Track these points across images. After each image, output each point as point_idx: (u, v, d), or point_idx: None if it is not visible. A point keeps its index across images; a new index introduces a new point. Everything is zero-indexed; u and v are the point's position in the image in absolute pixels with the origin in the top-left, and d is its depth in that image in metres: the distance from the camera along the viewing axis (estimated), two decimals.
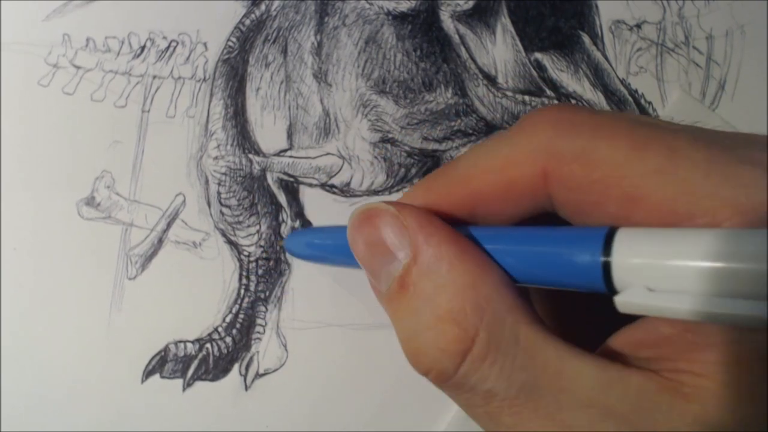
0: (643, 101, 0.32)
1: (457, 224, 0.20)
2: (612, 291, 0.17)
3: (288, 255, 0.32)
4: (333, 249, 0.26)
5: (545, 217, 0.20)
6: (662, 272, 0.15)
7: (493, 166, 0.19)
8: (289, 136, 0.32)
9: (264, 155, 0.32)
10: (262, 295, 0.31)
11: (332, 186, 0.32)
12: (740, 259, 0.14)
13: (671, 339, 0.18)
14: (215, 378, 0.31)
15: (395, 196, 0.32)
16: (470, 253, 0.19)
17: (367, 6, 0.32)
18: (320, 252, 0.27)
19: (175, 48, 0.32)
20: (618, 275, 0.16)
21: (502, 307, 0.18)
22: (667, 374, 0.17)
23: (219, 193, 0.32)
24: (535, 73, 0.32)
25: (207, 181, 0.32)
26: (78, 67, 0.32)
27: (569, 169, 0.17)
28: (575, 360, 0.18)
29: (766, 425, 0.16)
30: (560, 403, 0.17)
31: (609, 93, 0.32)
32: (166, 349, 0.31)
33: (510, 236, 0.19)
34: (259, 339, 0.31)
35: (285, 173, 0.32)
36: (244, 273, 0.31)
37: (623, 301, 0.16)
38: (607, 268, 0.16)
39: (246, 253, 0.32)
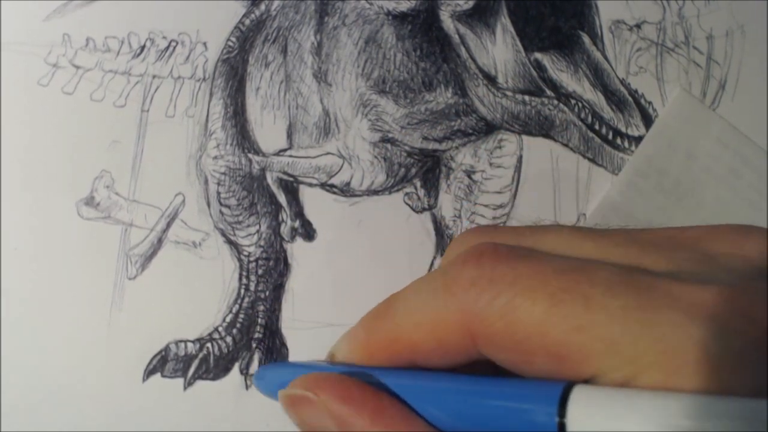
0: (643, 101, 0.32)
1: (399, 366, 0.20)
2: None
3: (288, 255, 0.32)
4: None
5: (486, 364, 0.19)
6: None
7: (424, 322, 0.19)
8: (289, 135, 0.32)
9: (264, 155, 0.32)
10: (262, 295, 0.31)
11: (332, 186, 0.32)
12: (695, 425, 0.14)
13: None
14: (216, 377, 0.31)
15: (395, 196, 0.32)
16: (401, 424, 0.18)
17: (367, 6, 0.32)
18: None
19: (174, 48, 0.32)
20: None
21: None
22: None
23: (218, 193, 0.32)
24: (535, 73, 0.32)
25: (206, 181, 0.32)
26: (78, 67, 0.32)
27: (493, 329, 0.17)
28: None
29: None
30: None
31: (609, 93, 0.32)
32: (166, 348, 0.31)
33: (449, 389, 0.19)
34: (260, 339, 0.31)
35: (285, 173, 0.32)
36: (244, 273, 0.31)
37: None
38: (562, 428, 0.16)
39: (246, 253, 0.32)
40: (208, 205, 0.32)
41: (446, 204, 0.32)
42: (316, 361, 0.23)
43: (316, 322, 0.31)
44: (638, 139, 0.31)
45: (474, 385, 0.18)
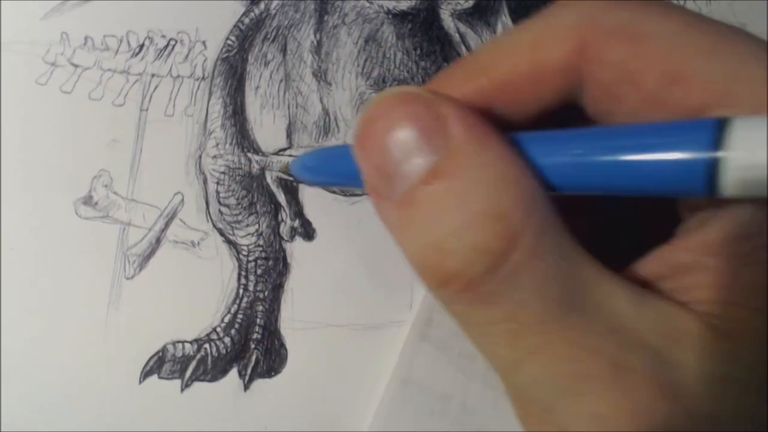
0: None
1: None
2: (712, 192, 0.14)
3: (288, 255, 0.31)
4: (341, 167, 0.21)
5: (568, 112, 0.18)
6: None
7: (522, 45, 0.17)
8: (289, 135, 0.32)
9: (263, 154, 0.32)
10: (261, 295, 0.31)
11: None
12: None
13: (693, 267, 0.16)
14: (214, 379, 0.30)
15: None
16: (514, 154, 0.16)
17: (367, 5, 0.32)
18: (330, 173, 0.22)
19: (173, 46, 0.32)
20: (732, 172, 0.14)
21: (547, 209, 0.16)
22: (696, 306, 0.16)
23: (218, 192, 0.32)
24: None
25: (206, 180, 0.32)
26: (76, 66, 0.32)
27: (612, 40, 0.16)
28: (611, 282, 0.16)
29: None
30: (591, 326, 0.15)
31: None
32: (164, 349, 0.30)
33: (561, 136, 0.17)
34: (258, 339, 0.31)
35: (284, 172, 0.32)
36: (243, 273, 0.31)
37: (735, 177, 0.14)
38: (713, 166, 0.14)
39: (245, 253, 0.31)
40: (207, 204, 0.31)
41: None
42: None
43: (315, 322, 0.31)
44: None
45: (593, 132, 0.16)
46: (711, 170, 0.14)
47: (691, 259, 0.16)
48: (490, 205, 0.15)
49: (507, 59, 0.17)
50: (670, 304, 0.16)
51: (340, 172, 0.21)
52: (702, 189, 0.14)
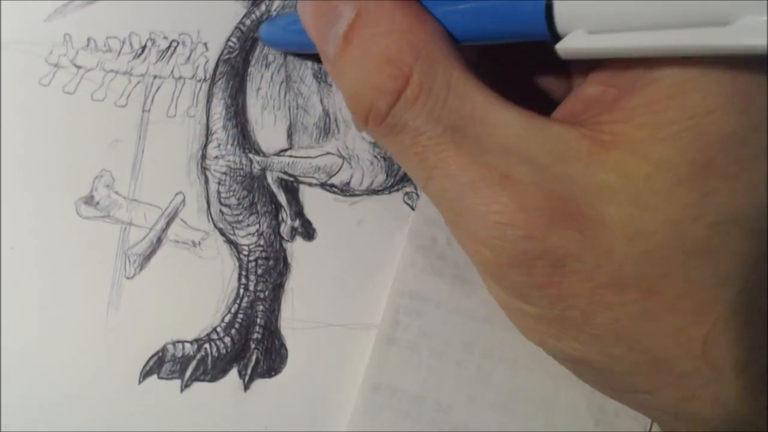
0: None
1: None
2: (555, 39, 0.18)
3: (288, 255, 0.31)
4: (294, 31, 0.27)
5: None
6: (602, 10, 0.17)
7: None
8: (289, 135, 0.32)
9: (264, 155, 0.32)
10: (262, 295, 0.31)
11: (332, 185, 0.32)
12: None
13: (598, 98, 0.19)
14: (214, 379, 0.30)
15: (395, 195, 0.32)
16: (409, 4, 0.20)
17: None
18: (286, 36, 0.28)
19: (175, 48, 0.32)
20: (560, 19, 0.17)
21: (437, 51, 0.19)
22: (589, 126, 0.18)
23: (219, 192, 0.32)
24: None
25: (207, 181, 0.32)
26: (79, 67, 0.32)
27: None
28: (501, 108, 0.19)
29: (684, 172, 0.17)
30: (482, 146, 0.19)
31: None
32: (163, 349, 0.30)
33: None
34: (259, 339, 0.31)
35: (285, 173, 0.32)
36: (244, 272, 0.31)
37: (564, 47, 0.17)
38: (549, 11, 0.17)
39: (245, 253, 0.31)
40: (208, 204, 0.32)
41: None
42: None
43: (315, 322, 0.31)
44: None
45: None
46: (547, 17, 0.17)
47: (596, 92, 0.19)
48: (384, 54, 0.19)
49: None
50: (561, 125, 0.18)
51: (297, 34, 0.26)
52: (544, 31, 0.18)
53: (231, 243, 0.31)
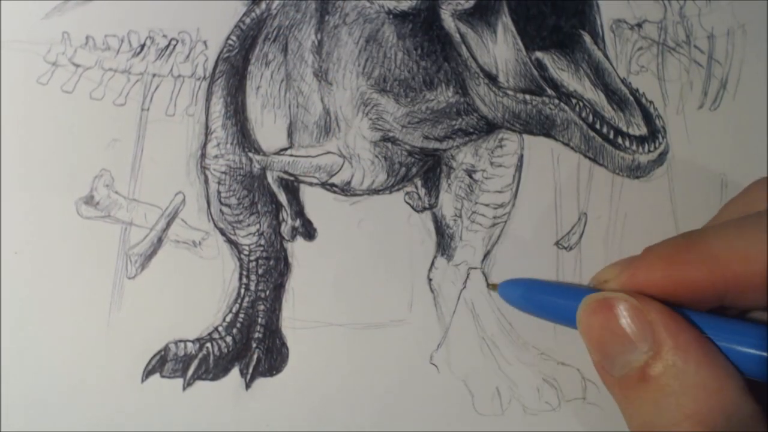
0: (644, 100, 0.32)
1: (696, 304, 0.21)
2: None
3: (289, 255, 0.31)
4: (554, 309, 0.26)
5: None
6: None
7: (757, 257, 0.19)
8: (290, 134, 0.32)
9: (264, 154, 0.32)
10: (263, 295, 0.31)
11: (332, 185, 0.32)
12: None
13: None
14: (215, 377, 0.31)
15: (396, 195, 0.32)
16: (716, 357, 0.19)
17: (368, 5, 0.32)
18: (538, 308, 0.27)
19: (174, 46, 0.32)
20: None
21: (746, 412, 0.19)
22: None
23: (219, 192, 0.32)
24: (535, 72, 0.32)
25: (207, 180, 0.32)
26: (77, 65, 0.32)
27: None
28: None
29: None
30: None
31: (610, 92, 0.32)
32: (166, 348, 0.31)
33: (748, 334, 0.20)
34: (260, 338, 0.31)
35: (285, 172, 0.32)
36: (244, 272, 0.31)
37: None
38: None
39: (246, 252, 0.31)
40: (209, 204, 0.32)
41: (447, 203, 0.32)
42: (571, 284, 0.26)
43: (316, 321, 0.31)
44: (639, 139, 0.31)
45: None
46: None
47: None
48: (695, 413, 0.19)
49: (739, 263, 0.20)
50: None
51: (547, 308, 0.26)
52: None
53: (231, 243, 0.31)
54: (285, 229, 0.32)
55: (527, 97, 0.31)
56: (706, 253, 0.20)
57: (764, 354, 0.19)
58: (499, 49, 0.32)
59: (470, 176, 0.32)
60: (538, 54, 0.32)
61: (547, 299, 0.26)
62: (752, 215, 0.21)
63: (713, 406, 0.19)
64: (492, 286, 0.29)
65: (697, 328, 0.20)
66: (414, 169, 0.32)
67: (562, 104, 0.31)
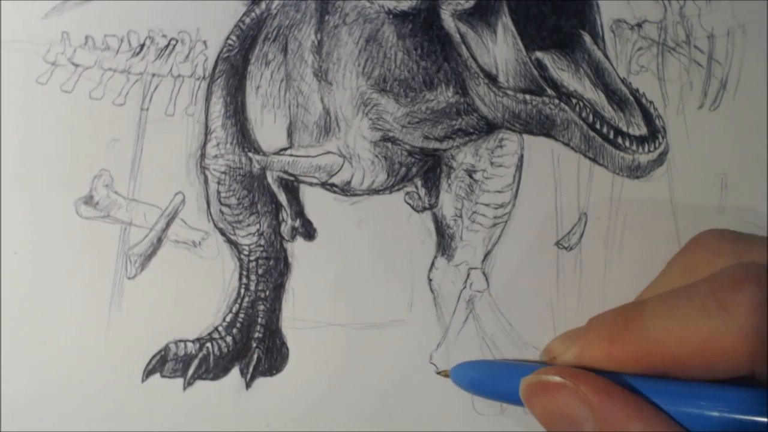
0: (644, 100, 0.32)
1: (636, 375, 0.21)
2: None
3: (289, 255, 0.31)
4: (500, 391, 0.26)
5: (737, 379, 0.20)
6: None
7: (691, 338, 0.19)
8: (289, 134, 0.32)
9: (264, 154, 0.32)
10: (263, 295, 0.31)
11: (332, 185, 0.32)
12: None
13: None
14: (216, 377, 0.31)
15: (396, 195, 0.32)
16: (659, 423, 0.20)
17: (368, 5, 0.32)
18: (486, 390, 0.27)
19: (174, 46, 0.32)
20: None
21: None
22: None
23: (218, 192, 0.32)
24: (536, 72, 0.32)
25: (206, 180, 0.32)
26: (77, 65, 0.32)
27: None
28: None
29: None
30: None
31: (610, 92, 0.32)
32: (166, 348, 0.31)
33: (697, 395, 0.20)
34: (260, 338, 0.31)
35: (285, 172, 0.32)
36: (244, 272, 0.31)
37: None
38: None
39: (246, 252, 0.31)
40: (208, 204, 0.32)
41: (447, 203, 0.32)
42: (520, 361, 0.25)
43: (316, 321, 0.31)
44: (639, 139, 0.31)
45: (714, 391, 0.19)
46: None
47: None
48: None
49: (676, 346, 0.20)
50: None
51: (499, 390, 0.25)
52: None
53: (231, 243, 0.31)
54: (285, 229, 0.32)
55: (527, 97, 0.31)
56: (643, 334, 0.21)
57: (708, 413, 0.19)
58: (499, 49, 0.32)
59: (470, 176, 0.32)
60: (538, 54, 0.32)
61: (493, 381, 0.26)
62: (685, 288, 0.21)
63: None
64: (443, 373, 0.29)
65: (636, 395, 0.20)
66: (414, 169, 0.32)
67: (562, 104, 0.31)
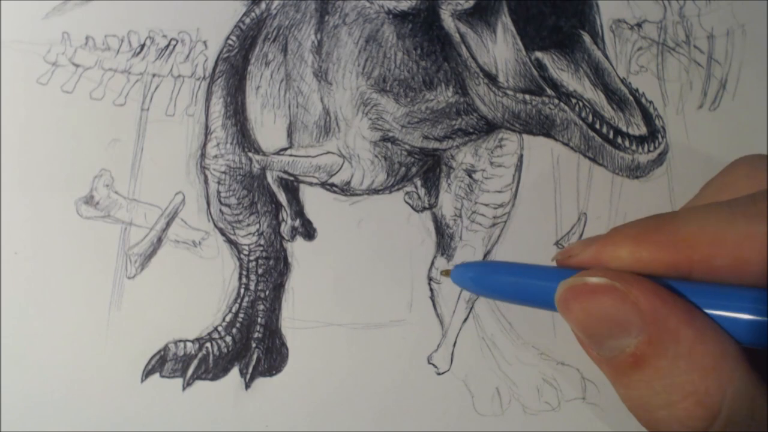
0: (643, 100, 0.32)
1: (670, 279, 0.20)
2: None
3: (289, 255, 0.31)
4: (517, 289, 0.24)
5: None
6: None
7: (725, 239, 0.19)
8: (289, 134, 0.32)
9: (264, 154, 0.32)
10: (262, 294, 0.31)
11: (332, 185, 0.32)
12: None
13: None
14: (215, 377, 0.31)
15: (396, 195, 0.32)
16: (709, 331, 0.19)
17: (368, 5, 0.32)
18: (493, 290, 0.25)
19: (174, 46, 0.32)
20: None
21: (741, 385, 0.19)
22: None
23: (218, 192, 0.32)
24: (535, 72, 0.32)
25: (206, 180, 0.32)
26: (77, 66, 0.32)
27: None
28: None
29: None
30: None
31: (609, 92, 0.32)
32: (165, 348, 0.31)
33: (741, 298, 0.19)
34: (260, 338, 0.31)
35: (285, 172, 0.32)
36: (244, 272, 0.31)
37: None
38: None
39: (246, 252, 0.31)
40: (208, 204, 0.32)
41: (447, 203, 0.32)
42: (527, 264, 0.24)
43: (316, 321, 0.31)
44: (639, 139, 0.31)
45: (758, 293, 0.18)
46: None
47: None
48: (690, 393, 0.19)
49: (708, 247, 0.19)
50: None
51: (499, 288, 0.24)
52: None
53: (231, 243, 0.31)
54: (285, 229, 0.32)
55: (527, 97, 0.32)
56: (673, 235, 0.20)
57: (760, 318, 0.19)
58: (499, 49, 0.32)
59: (470, 176, 0.32)
60: (538, 54, 0.32)
61: (504, 279, 0.24)
62: (724, 202, 0.20)
63: (710, 385, 0.18)
64: (445, 272, 0.28)
65: (685, 300, 0.19)
66: (414, 169, 0.32)
67: (561, 104, 0.31)
